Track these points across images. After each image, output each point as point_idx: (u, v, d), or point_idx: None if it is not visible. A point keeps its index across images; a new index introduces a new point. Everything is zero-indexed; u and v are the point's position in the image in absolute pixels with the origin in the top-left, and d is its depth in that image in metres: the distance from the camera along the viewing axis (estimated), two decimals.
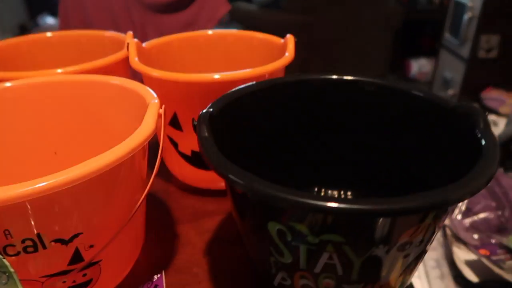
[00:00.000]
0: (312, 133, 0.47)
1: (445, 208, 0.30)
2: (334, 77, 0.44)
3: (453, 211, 1.04)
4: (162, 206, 0.54)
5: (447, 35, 2.01)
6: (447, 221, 1.06)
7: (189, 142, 0.52)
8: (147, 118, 0.36)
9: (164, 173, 0.58)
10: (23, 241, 0.30)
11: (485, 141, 0.31)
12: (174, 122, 0.50)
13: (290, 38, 0.56)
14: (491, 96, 1.84)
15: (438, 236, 1.06)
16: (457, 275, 0.96)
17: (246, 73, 0.46)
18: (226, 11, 1.13)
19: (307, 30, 2.07)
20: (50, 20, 3.26)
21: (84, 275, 0.36)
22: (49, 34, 0.66)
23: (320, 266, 0.31)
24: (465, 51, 1.85)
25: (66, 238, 0.32)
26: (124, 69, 0.56)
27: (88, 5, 1.23)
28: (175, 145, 0.52)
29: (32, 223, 0.29)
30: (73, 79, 0.47)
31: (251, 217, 0.34)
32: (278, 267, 0.34)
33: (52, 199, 0.29)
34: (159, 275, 0.44)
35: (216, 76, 0.45)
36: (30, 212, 0.29)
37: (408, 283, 0.36)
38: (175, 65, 0.62)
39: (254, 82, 0.44)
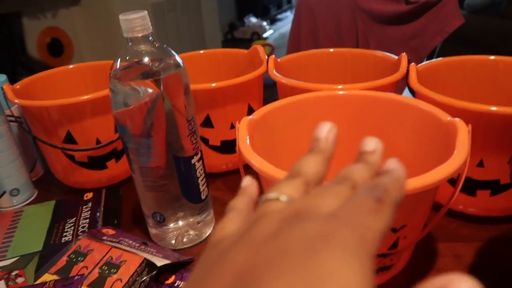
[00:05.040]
0: None
1: None
2: None
3: None
4: None
5: None
6: None
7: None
8: (461, 142, 0.38)
9: None
10: None
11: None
12: None
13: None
14: None
15: None
16: None
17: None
18: (459, 24, 1.11)
19: None
20: (253, 20, 3.73)
21: (391, 259, 0.43)
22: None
23: None
24: None
25: (397, 227, 0.39)
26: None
27: (318, 13, 1.35)
28: None
29: None
30: (362, 94, 0.54)
31: None
32: None
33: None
34: None
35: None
36: None
37: None
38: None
39: None
